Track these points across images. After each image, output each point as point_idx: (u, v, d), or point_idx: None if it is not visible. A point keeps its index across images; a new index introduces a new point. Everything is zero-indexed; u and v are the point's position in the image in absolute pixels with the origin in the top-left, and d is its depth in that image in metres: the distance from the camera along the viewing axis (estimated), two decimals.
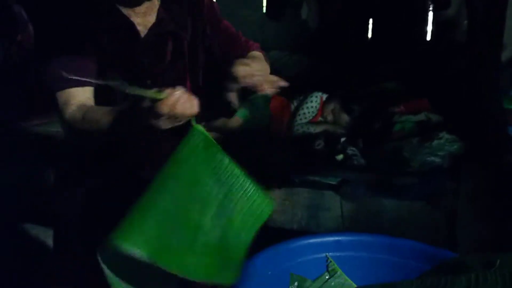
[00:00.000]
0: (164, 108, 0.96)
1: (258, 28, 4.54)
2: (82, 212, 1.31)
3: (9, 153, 2.72)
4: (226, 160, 1.06)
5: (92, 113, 1.16)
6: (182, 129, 1.30)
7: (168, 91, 0.98)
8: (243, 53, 1.38)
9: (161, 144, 1.31)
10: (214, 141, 1.06)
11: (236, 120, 2.93)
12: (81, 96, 1.18)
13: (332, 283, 1.21)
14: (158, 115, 0.98)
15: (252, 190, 1.09)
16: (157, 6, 1.26)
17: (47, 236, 2.46)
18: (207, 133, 1.06)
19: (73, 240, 1.33)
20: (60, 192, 1.35)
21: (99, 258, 0.96)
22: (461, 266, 1.12)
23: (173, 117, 0.98)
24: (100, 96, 1.22)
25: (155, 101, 0.98)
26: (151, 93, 0.98)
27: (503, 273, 1.02)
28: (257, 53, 1.41)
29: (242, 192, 1.08)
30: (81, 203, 1.31)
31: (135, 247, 0.91)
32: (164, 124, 1.00)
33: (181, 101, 0.98)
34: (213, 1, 1.39)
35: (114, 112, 1.11)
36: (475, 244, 2.20)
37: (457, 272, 1.07)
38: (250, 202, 1.09)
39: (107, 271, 0.97)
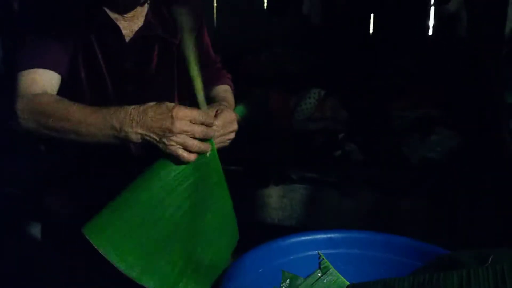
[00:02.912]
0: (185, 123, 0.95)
1: (261, 24, 4.54)
2: (72, 209, 1.31)
3: (10, 150, 2.73)
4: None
5: (68, 105, 1.03)
6: None
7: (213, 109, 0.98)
8: (210, 82, 1.34)
9: None
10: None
11: None
12: (46, 82, 1.09)
13: (325, 280, 1.20)
14: (171, 129, 0.94)
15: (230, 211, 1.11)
16: (146, 11, 1.25)
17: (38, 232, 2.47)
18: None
19: (62, 237, 1.33)
20: (51, 189, 1.34)
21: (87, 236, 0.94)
22: (453, 262, 1.11)
23: (185, 141, 0.95)
24: (93, 89, 1.20)
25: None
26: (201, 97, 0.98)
27: (495, 269, 1.01)
28: (223, 89, 1.37)
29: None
30: (71, 200, 1.31)
31: (101, 243, 0.91)
32: (171, 147, 0.96)
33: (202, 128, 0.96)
34: (203, 21, 1.37)
35: (104, 113, 0.99)
36: (475, 240, 2.19)
37: (449, 268, 1.06)
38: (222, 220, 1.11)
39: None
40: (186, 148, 0.97)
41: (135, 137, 0.97)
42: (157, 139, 0.97)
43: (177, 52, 1.30)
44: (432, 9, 4.09)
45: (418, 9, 4.11)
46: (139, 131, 0.97)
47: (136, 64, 1.24)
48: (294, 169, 2.51)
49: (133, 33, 1.23)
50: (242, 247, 1.22)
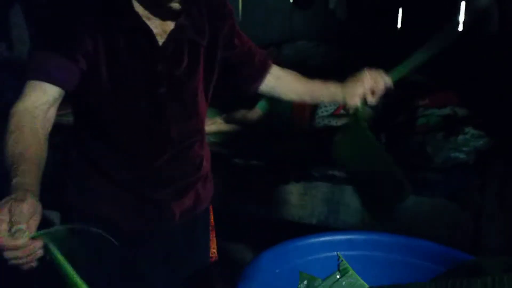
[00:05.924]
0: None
1: (286, 18, 4.50)
2: (88, 203, 1.31)
3: None
4: None
5: (22, 148, 0.99)
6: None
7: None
8: (258, 73, 1.47)
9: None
10: None
11: (256, 112, 2.89)
12: (50, 96, 1.10)
13: (343, 283, 1.17)
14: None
15: None
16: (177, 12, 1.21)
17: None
18: None
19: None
20: (69, 183, 1.35)
21: None
22: (477, 269, 1.07)
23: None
24: (119, 94, 1.19)
25: None
26: None
27: None
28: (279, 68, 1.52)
29: None
30: (87, 194, 1.32)
31: None
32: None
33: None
34: (233, 17, 1.40)
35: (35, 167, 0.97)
36: (501, 243, 2.13)
37: (473, 275, 1.03)
38: None
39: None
40: None
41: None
42: None
43: (203, 54, 1.29)
44: (463, 4, 3.98)
45: (448, 3, 4.00)
46: None
47: (167, 67, 1.22)
48: (316, 166, 2.47)
49: (166, 34, 1.20)
50: (260, 245, 1.21)
